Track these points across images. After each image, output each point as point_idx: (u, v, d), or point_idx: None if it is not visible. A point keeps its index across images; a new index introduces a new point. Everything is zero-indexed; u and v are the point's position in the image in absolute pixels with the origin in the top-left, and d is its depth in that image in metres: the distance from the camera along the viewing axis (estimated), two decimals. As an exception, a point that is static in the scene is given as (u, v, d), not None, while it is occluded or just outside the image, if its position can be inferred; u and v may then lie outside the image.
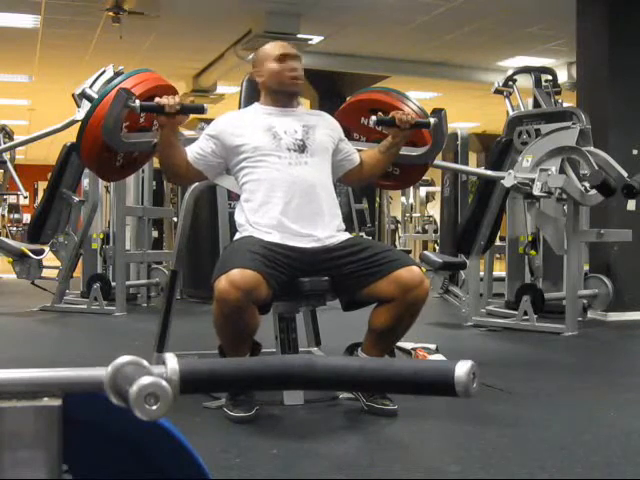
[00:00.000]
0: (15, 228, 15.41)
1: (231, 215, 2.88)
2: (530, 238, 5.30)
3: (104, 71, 3.97)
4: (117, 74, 3.80)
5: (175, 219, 7.24)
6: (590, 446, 2.26)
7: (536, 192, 4.25)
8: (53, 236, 5.76)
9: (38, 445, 0.57)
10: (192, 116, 3.06)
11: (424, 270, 4.86)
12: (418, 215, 12.74)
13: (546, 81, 5.59)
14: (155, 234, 7.05)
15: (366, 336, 2.62)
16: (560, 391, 3.08)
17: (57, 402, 0.58)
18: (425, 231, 12.40)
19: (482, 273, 5.52)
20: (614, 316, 5.31)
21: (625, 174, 4.33)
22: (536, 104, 5.45)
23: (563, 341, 4.38)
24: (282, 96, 2.76)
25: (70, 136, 3.83)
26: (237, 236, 2.67)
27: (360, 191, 8.69)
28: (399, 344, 3.43)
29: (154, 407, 0.53)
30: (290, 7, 7.63)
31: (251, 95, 3.05)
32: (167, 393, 0.53)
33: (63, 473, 0.61)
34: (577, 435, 2.39)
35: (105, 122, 2.69)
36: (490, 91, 5.84)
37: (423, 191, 12.74)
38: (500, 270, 6.70)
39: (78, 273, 6.30)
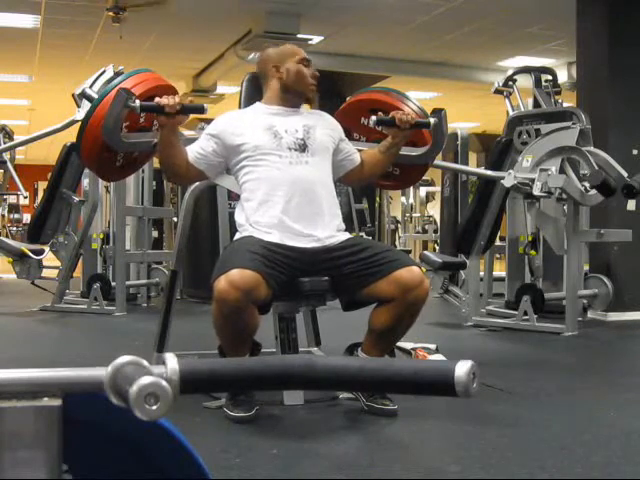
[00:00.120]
0: (15, 228, 15.41)
1: (231, 215, 2.88)
2: (530, 238, 5.30)
3: (104, 71, 3.97)
4: (117, 74, 3.80)
5: (175, 219, 7.24)
6: (590, 446, 2.26)
7: (536, 192, 4.25)
8: (53, 236, 5.76)
9: (38, 445, 0.57)
10: (192, 116, 3.06)
11: (424, 270, 4.86)
12: (418, 215, 12.74)
13: (546, 81, 5.59)
14: (155, 234, 7.05)
15: (366, 336, 2.62)
16: (560, 391, 3.08)
17: (57, 402, 0.58)
18: (425, 231, 12.40)
19: (482, 273, 5.52)
20: (614, 316, 5.31)
21: (625, 174, 4.33)
22: (536, 104, 5.45)
23: (563, 341, 4.38)
24: (296, 97, 2.78)
25: (70, 136, 3.83)
26: (237, 236, 2.67)
27: (360, 191, 8.69)
28: (399, 344, 3.43)
29: (154, 407, 0.53)
30: (290, 7, 7.62)
31: (251, 95, 3.05)
32: (167, 393, 0.53)
33: (63, 473, 0.61)
34: (577, 435, 2.39)
35: (105, 122, 2.69)
36: (490, 91, 5.84)
37: (423, 191, 12.74)
38: (500, 270, 6.70)
39: (78, 273, 6.30)
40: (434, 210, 11.92)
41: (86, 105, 3.76)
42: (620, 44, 5.58)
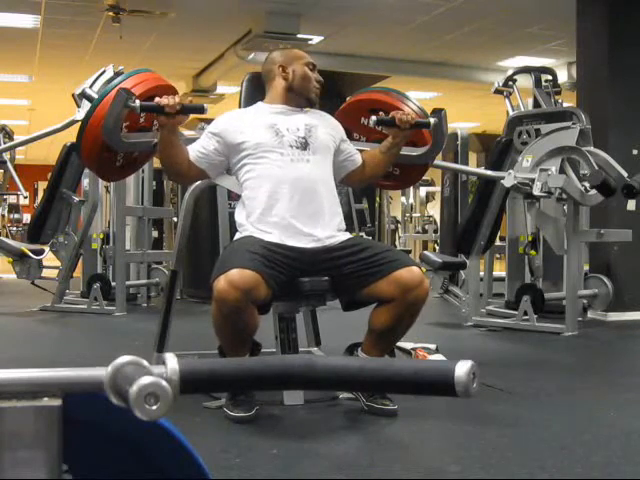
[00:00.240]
0: (15, 228, 15.41)
1: (231, 215, 2.88)
2: (530, 238, 5.30)
3: (104, 71, 3.96)
4: (117, 74, 3.79)
5: (175, 219, 7.24)
6: (590, 446, 2.26)
7: (536, 192, 4.25)
8: (53, 236, 5.76)
9: (38, 445, 0.57)
10: (192, 116, 3.06)
11: (424, 270, 4.86)
12: (418, 215, 12.74)
13: (546, 81, 5.58)
14: (155, 234, 7.05)
15: (366, 336, 2.62)
16: (560, 391, 3.08)
17: (57, 402, 0.58)
18: (425, 231, 12.40)
19: (482, 273, 5.52)
20: (614, 316, 5.31)
21: (625, 174, 4.33)
22: (536, 104, 5.45)
23: (563, 341, 4.38)
24: (300, 98, 2.79)
25: (70, 136, 3.83)
26: (237, 236, 2.67)
27: (360, 191, 8.68)
28: (399, 344, 3.43)
29: (154, 407, 0.53)
30: (290, 7, 7.62)
31: (251, 95, 3.05)
32: (167, 393, 0.53)
33: (63, 473, 0.61)
34: (577, 435, 2.39)
35: (105, 122, 2.69)
36: (490, 91, 5.84)
37: (423, 191, 12.74)
38: (500, 270, 6.70)
39: (78, 273, 6.30)
40: (434, 210, 11.93)
41: (86, 105, 3.76)
42: (620, 44, 5.58)
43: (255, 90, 3.02)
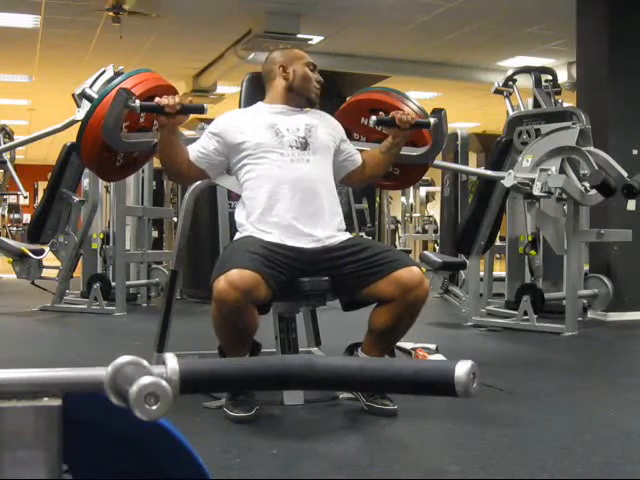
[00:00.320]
0: (15, 228, 15.41)
1: (231, 215, 2.88)
2: (530, 238, 5.30)
3: (104, 71, 3.96)
4: (117, 74, 3.79)
5: (175, 219, 7.24)
6: (590, 446, 2.26)
7: (536, 192, 4.25)
8: (53, 236, 5.76)
9: (38, 445, 0.57)
10: (192, 116, 3.06)
11: (424, 270, 4.86)
12: (418, 215, 12.74)
13: (546, 81, 5.59)
14: (155, 234, 7.05)
15: (366, 336, 2.62)
16: (560, 391, 3.08)
17: (57, 402, 0.58)
18: (425, 231, 12.40)
19: (482, 273, 5.52)
20: (614, 316, 5.31)
21: (625, 174, 4.33)
22: (536, 104, 5.45)
23: (563, 341, 4.38)
24: (300, 98, 2.79)
25: (70, 136, 3.83)
26: (237, 236, 2.67)
27: (360, 191, 8.68)
28: (399, 344, 3.43)
29: (154, 407, 0.53)
30: (290, 7, 7.62)
31: (251, 95, 3.05)
32: (167, 393, 0.53)
33: (63, 473, 0.61)
34: (577, 435, 2.39)
35: (105, 122, 2.69)
36: (490, 91, 5.84)
37: (423, 191, 12.74)
38: (500, 270, 6.70)
39: (78, 273, 6.30)
40: (434, 210, 11.92)
41: (86, 105, 3.76)
42: (620, 44, 5.58)
43: (255, 90, 3.02)
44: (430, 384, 0.61)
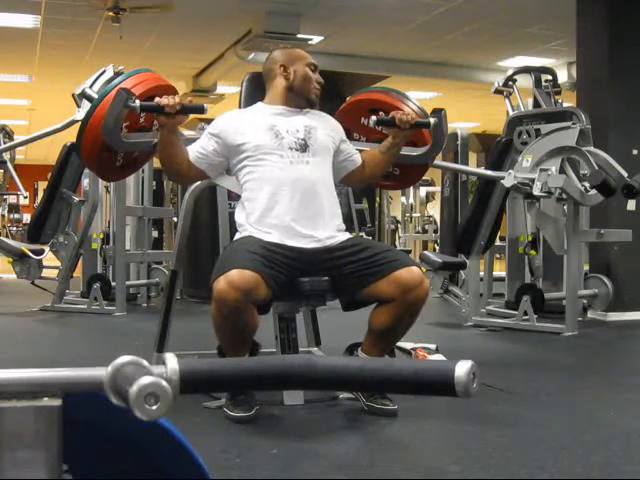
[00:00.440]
0: (15, 228, 15.41)
1: (231, 215, 2.88)
2: (530, 238, 5.30)
3: (104, 71, 3.96)
4: (117, 74, 3.79)
5: (175, 219, 7.24)
6: (590, 446, 2.26)
7: (536, 192, 4.25)
8: (53, 236, 5.76)
9: (38, 445, 0.57)
10: (192, 116, 3.06)
11: (424, 270, 4.86)
12: (418, 215, 12.74)
13: (546, 81, 5.59)
14: (155, 234, 7.05)
15: (366, 336, 2.62)
16: (560, 391, 3.08)
17: (57, 402, 0.58)
18: (425, 231, 12.40)
19: (482, 273, 5.52)
20: (614, 316, 5.31)
21: (625, 174, 4.33)
22: (536, 104, 5.45)
23: (563, 341, 4.38)
24: (299, 99, 2.79)
25: (70, 136, 3.83)
26: (237, 236, 2.67)
27: (360, 191, 8.68)
28: (399, 344, 3.43)
29: (154, 407, 0.53)
30: (290, 7, 7.62)
31: (251, 95, 3.05)
32: (167, 393, 0.53)
33: (63, 473, 0.61)
34: (577, 435, 2.39)
35: (105, 122, 2.69)
36: (490, 91, 5.84)
37: (423, 191, 12.74)
38: (500, 270, 6.70)
39: (78, 273, 6.30)
40: (434, 210, 11.93)
41: (86, 105, 3.76)
42: (620, 44, 5.58)
43: (255, 90, 3.02)
44: (430, 384, 0.61)
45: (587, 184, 4.35)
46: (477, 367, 0.59)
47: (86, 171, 5.67)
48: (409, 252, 10.28)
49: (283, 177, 2.62)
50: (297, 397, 2.69)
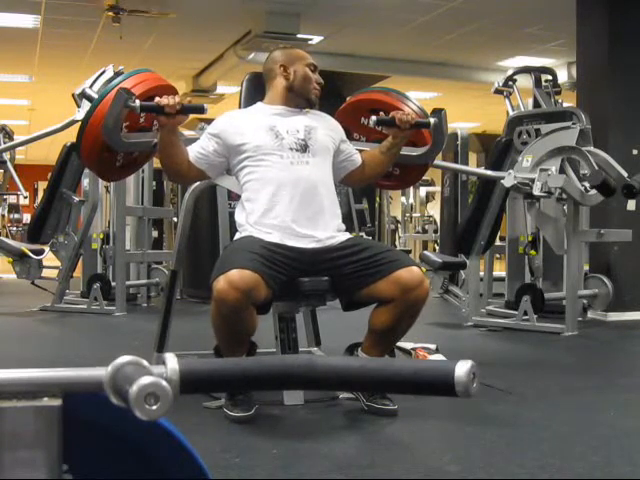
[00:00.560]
0: (15, 228, 15.40)
1: (231, 215, 2.88)
2: (530, 238, 5.30)
3: (104, 71, 3.96)
4: (117, 74, 3.79)
5: (175, 219, 7.24)
6: (590, 446, 2.26)
7: (536, 192, 4.25)
8: (53, 236, 5.76)
9: (38, 445, 0.57)
10: (192, 116, 3.06)
11: (424, 270, 4.87)
12: (418, 215, 12.74)
13: (546, 81, 5.59)
14: (155, 234, 7.05)
15: (366, 336, 2.62)
16: (560, 391, 3.08)
17: (57, 402, 0.58)
18: (425, 231, 12.40)
19: (482, 273, 5.52)
20: (614, 316, 5.31)
21: (625, 174, 4.33)
22: (536, 104, 5.45)
23: (563, 341, 4.38)
24: (299, 99, 2.79)
25: (70, 136, 3.83)
26: (237, 236, 2.67)
27: (360, 191, 8.68)
28: (399, 344, 3.43)
29: (154, 407, 0.53)
30: (290, 7, 7.62)
31: (252, 95, 3.05)
32: (167, 393, 0.53)
33: (63, 473, 0.61)
34: (577, 435, 2.39)
35: (105, 122, 2.69)
36: (490, 91, 5.84)
37: (423, 191, 12.74)
38: (500, 270, 6.70)
39: (78, 273, 6.30)
40: (434, 210, 11.93)
41: (86, 105, 3.75)
42: (620, 44, 5.58)
43: (255, 90, 3.02)
44: (430, 384, 0.61)
45: (587, 184, 4.35)
46: (477, 367, 0.59)
47: (86, 171, 5.67)
48: (409, 252, 10.28)
49: (283, 177, 2.62)
50: (297, 397, 2.69)
